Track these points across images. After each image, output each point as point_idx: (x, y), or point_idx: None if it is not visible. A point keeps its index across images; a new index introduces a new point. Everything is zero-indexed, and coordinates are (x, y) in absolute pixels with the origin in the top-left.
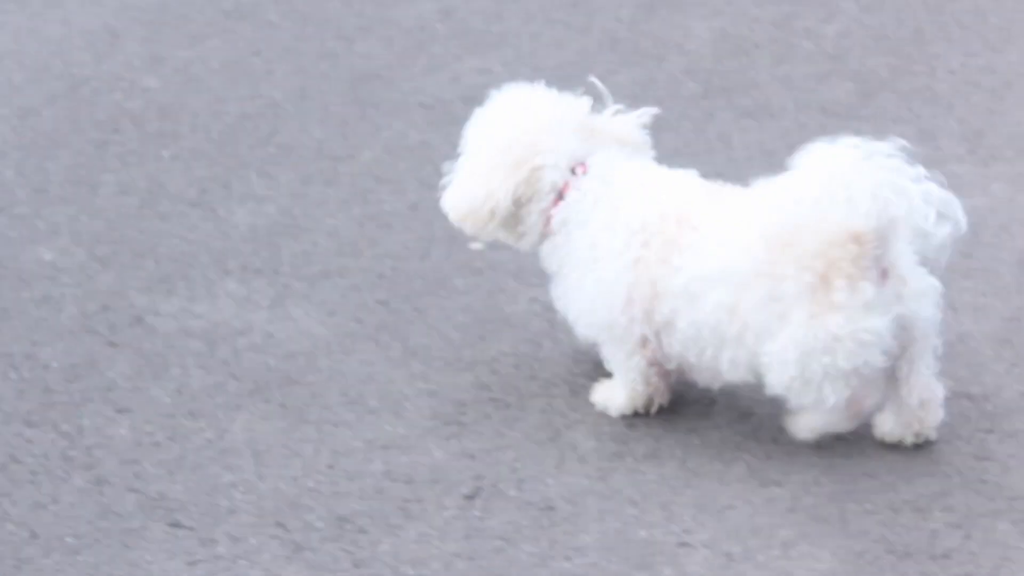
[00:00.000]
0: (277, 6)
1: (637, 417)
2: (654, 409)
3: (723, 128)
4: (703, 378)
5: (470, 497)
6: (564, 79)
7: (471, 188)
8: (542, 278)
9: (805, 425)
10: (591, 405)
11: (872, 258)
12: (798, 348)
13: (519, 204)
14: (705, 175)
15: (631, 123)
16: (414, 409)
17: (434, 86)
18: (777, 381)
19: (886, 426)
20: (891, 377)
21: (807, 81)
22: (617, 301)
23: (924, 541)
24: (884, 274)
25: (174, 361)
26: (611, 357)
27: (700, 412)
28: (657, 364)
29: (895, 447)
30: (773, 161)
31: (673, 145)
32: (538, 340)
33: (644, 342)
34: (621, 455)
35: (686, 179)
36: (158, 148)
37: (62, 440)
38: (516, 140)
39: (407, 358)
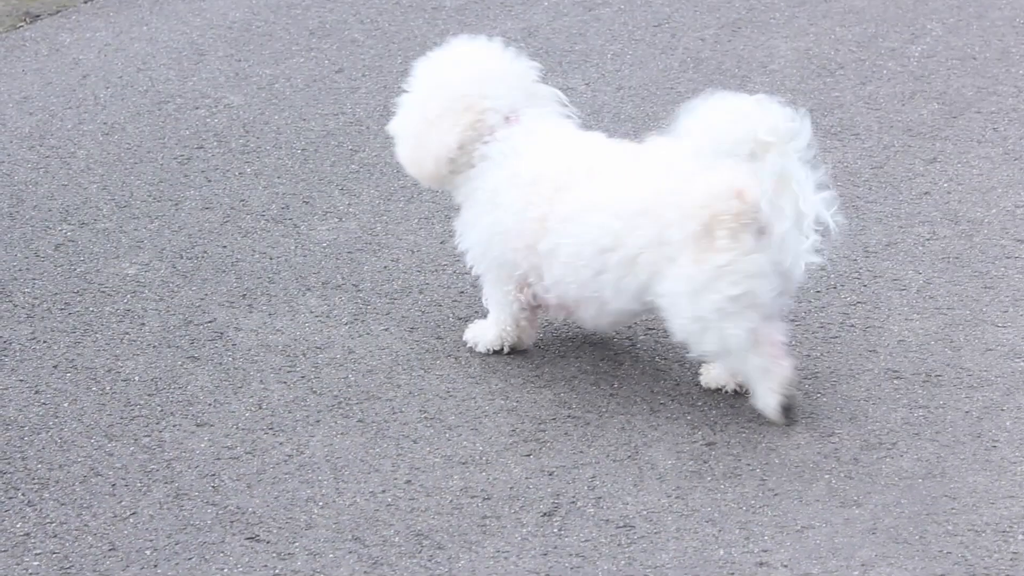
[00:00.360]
0: (361, 25)
1: (716, 435)
2: (520, 347)
3: None
4: (588, 313)
5: (548, 514)
6: (648, 98)
7: (425, 140)
8: None
9: (764, 401)
10: (671, 423)
11: (752, 216)
12: (687, 286)
13: (462, 147)
14: None
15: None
16: (493, 426)
17: None
18: (678, 326)
19: (712, 372)
20: None
21: (891, 101)
22: (508, 240)
23: (1006, 564)
24: (762, 232)
25: (254, 375)
26: (490, 295)
27: (780, 431)
28: (529, 308)
29: (978, 468)
30: (857, 181)
31: None
32: (618, 358)
33: (523, 284)
34: (700, 473)
35: (593, 138)
36: (241, 164)
37: (142, 453)
38: (466, 89)
39: (486, 375)
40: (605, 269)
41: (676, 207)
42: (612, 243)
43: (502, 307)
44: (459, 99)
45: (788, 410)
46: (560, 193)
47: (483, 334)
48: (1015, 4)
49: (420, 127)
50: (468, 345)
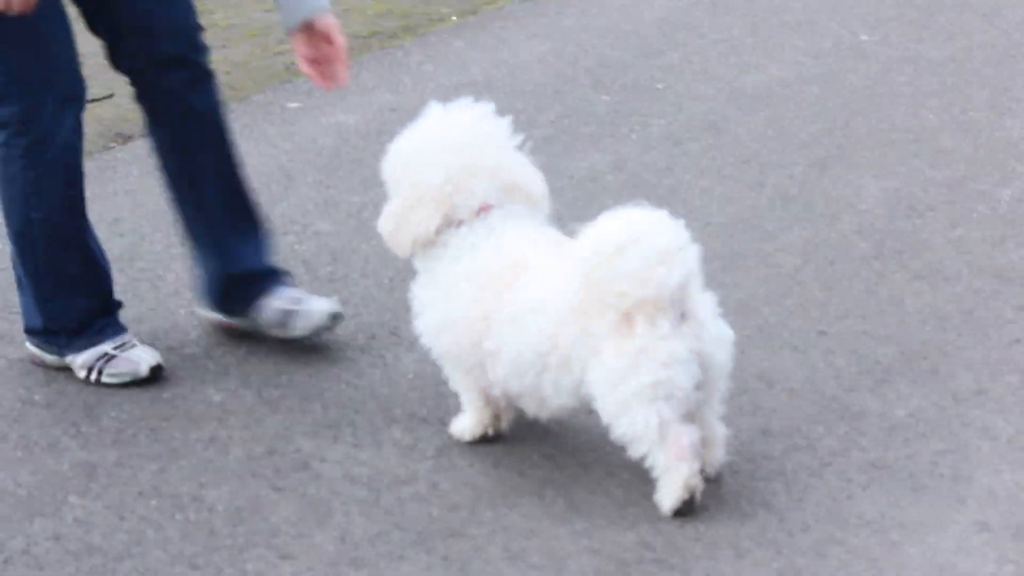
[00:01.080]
0: None
1: None
2: (503, 427)
3: (894, 290)
4: (530, 406)
5: None
6: (735, 235)
7: (405, 221)
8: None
9: (662, 496)
10: (756, 569)
11: (670, 302)
12: (608, 374)
13: (438, 232)
14: (878, 341)
15: (538, 181)
16: (576, 567)
17: None
18: (601, 409)
19: None
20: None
21: (981, 245)
22: (458, 335)
23: None
24: (683, 317)
25: (338, 508)
26: (451, 377)
27: None
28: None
29: None
30: (946, 326)
31: (843, 306)
32: (703, 501)
33: (473, 369)
34: None
35: (544, 233)
36: (328, 292)
37: None
38: (445, 180)
39: (570, 514)
40: (545, 369)
41: (598, 300)
42: (549, 346)
43: (468, 389)
44: (438, 189)
45: (683, 510)
46: (503, 291)
47: (463, 424)
48: None
49: (402, 207)
50: (455, 439)
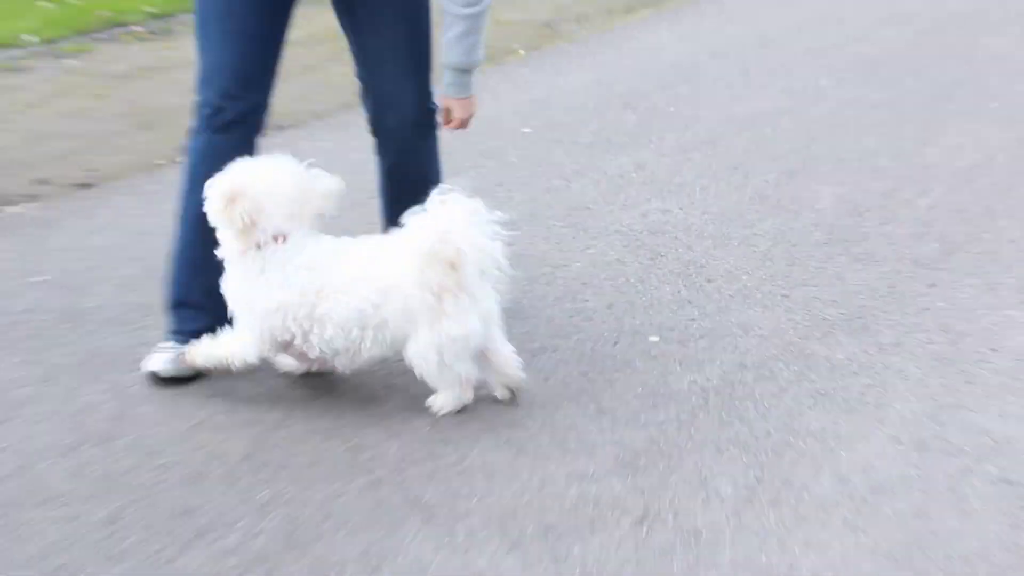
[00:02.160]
0: (516, 150)
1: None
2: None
3: (840, 269)
4: (343, 362)
5: (639, 521)
6: (724, 222)
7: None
8: (701, 366)
9: (442, 404)
10: (730, 463)
11: (462, 281)
12: (433, 346)
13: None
14: (825, 304)
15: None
16: (603, 453)
17: (628, 219)
18: (423, 371)
19: (496, 389)
20: (482, 357)
21: (904, 239)
22: (289, 313)
23: None
24: (475, 291)
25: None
26: (244, 326)
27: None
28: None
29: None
30: (875, 296)
31: (802, 277)
32: (695, 411)
33: (285, 344)
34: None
35: (343, 242)
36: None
37: (347, 454)
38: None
39: (599, 416)
40: (367, 327)
41: (417, 283)
42: (373, 311)
43: (254, 340)
44: (237, 218)
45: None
46: (332, 268)
47: (234, 350)
48: (996, 175)
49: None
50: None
